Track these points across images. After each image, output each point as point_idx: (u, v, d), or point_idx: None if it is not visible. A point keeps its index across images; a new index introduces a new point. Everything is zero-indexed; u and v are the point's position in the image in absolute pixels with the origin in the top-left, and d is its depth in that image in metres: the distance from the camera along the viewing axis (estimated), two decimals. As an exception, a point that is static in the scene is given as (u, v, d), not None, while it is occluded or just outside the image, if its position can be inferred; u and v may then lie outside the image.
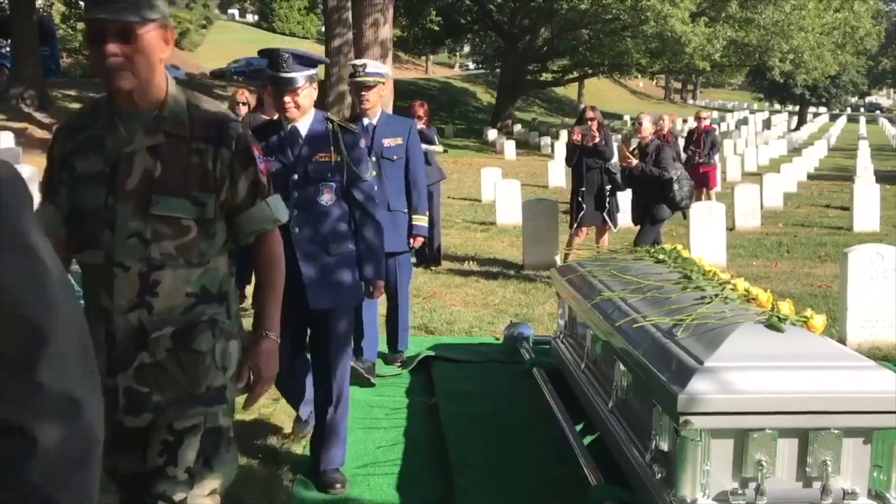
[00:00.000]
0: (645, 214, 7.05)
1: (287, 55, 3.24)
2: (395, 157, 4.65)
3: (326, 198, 3.32)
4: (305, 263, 3.29)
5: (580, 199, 7.75)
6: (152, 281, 1.95)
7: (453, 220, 12.71)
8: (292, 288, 2.95)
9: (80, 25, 38.70)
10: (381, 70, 4.54)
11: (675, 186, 6.78)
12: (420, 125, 7.93)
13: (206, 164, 2.00)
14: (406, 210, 4.74)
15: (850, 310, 5.56)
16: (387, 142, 4.62)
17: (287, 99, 3.30)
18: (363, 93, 4.53)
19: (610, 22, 30.12)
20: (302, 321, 3.40)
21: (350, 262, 3.40)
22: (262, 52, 3.41)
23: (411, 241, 4.80)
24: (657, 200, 6.92)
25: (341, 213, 3.38)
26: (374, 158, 4.33)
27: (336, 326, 3.42)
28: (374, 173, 4.20)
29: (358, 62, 4.57)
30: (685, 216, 8.40)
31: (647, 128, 7.07)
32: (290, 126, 3.37)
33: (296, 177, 3.31)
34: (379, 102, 4.62)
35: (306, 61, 3.31)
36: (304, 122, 3.35)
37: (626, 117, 39.18)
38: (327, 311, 3.35)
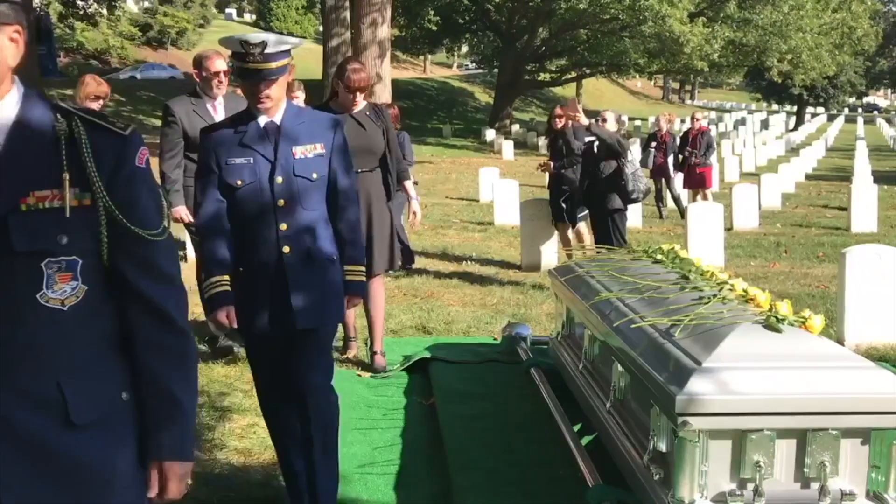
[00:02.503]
0: (594, 207, 7.03)
1: None
2: (314, 176, 2.92)
3: (59, 291, 1.45)
4: (11, 458, 1.42)
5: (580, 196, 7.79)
6: None
7: (451, 220, 12.72)
8: None
9: (79, 25, 38.77)
10: (285, 47, 2.85)
11: (630, 177, 6.72)
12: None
13: None
14: (337, 256, 3.04)
15: (848, 310, 5.56)
16: (300, 150, 2.92)
17: None
18: (261, 87, 2.82)
19: (608, 22, 30.15)
20: None
21: (123, 434, 1.54)
22: None
23: (346, 303, 3.14)
24: (609, 190, 6.87)
25: (101, 322, 1.52)
26: (279, 179, 2.87)
27: None
28: (283, 203, 2.88)
29: (252, 38, 2.78)
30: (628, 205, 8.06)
31: (611, 124, 7.06)
32: None
33: None
34: (283, 97, 2.95)
35: None
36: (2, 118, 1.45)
37: (625, 117, 39.25)
38: None
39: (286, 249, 2.88)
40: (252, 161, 2.88)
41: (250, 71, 2.81)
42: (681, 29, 26.98)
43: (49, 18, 32.86)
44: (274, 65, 2.80)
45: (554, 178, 8.05)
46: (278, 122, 2.92)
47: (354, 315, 5.10)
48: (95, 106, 6.03)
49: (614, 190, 6.80)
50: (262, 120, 2.90)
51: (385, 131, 4.72)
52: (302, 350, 2.98)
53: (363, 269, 3.16)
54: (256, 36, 2.81)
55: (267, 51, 2.77)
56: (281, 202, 2.88)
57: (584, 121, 6.74)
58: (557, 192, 7.96)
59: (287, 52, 2.85)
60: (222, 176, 2.88)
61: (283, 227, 2.89)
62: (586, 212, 7.66)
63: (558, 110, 8.11)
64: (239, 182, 2.86)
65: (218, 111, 4.86)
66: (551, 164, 7.98)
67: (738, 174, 20.47)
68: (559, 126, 7.95)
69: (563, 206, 7.88)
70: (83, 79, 6.21)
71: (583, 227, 7.93)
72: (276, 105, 2.90)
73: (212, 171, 2.91)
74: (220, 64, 4.87)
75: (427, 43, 40.91)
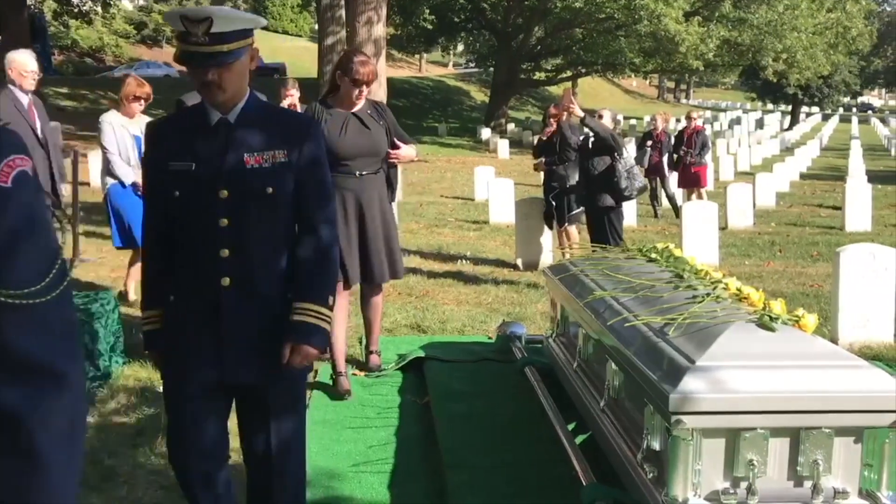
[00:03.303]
0: (588, 205, 7.07)
1: None
2: (269, 190, 2.33)
3: None
4: None
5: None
6: None
7: (446, 219, 12.72)
8: None
9: (74, 23, 38.64)
10: (240, 25, 2.26)
11: (624, 175, 6.73)
12: None
13: None
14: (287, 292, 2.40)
15: (842, 309, 5.57)
16: (253, 157, 2.33)
17: None
18: (209, 75, 2.25)
19: (604, 21, 30.18)
20: None
21: None
22: None
23: (287, 353, 2.34)
24: (602, 188, 6.86)
25: None
26: (224, 192, 2.30)
27: None
28: (227, 222, 2.31)
29: (193, 14, 2.21)
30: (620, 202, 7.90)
31: (607, 122, 7.08)
32: None
33: None
34: (242, 88, 2.35)
35: None
36: None
37: (620, 116, 39.33)
38: None
39: (225, 281, 2.31)
40: (193, 167, 2.32)
41: (194, 55, 2.24)
42: (676, 28, 27.01)
43: (43, 16, 32.75)
44: (225, 47, 2.22)
45: (546, 175, 8.07)
46: (232, 120, 2.34)
47: (345, 345, 4.68)
48: (136, 107, 5.96)
49: (607, 187, 6.81)
50: (214, 116, 2.34)
51: (388, 131, 4.47)
52: (250, 418, 2.45)
53: (327, 312, 2.38)
54: (200, 10, 2.22)
55: (214, 30, 2.20)
56: (224, 221, 2.30)
57: (580, 112, 6.73)
58: (548, 189, 7.98)
59: (244, 33, 2.27)
60: (163, 182, 2.36)
61: (225, 252, 2.31)
62: (578, 211, 7.69)
63: (553, 109, 8.13)
64: (177, 192, 2.32)
65: None
66: (543, 160, 8.01)
67: (732, 173, 20.52)
68: (550, 132, 7.96)
69: (553, 203, 7.90)
70: (126, 79, 6.13)
71: (572, 228, 7.95)
72: (232, 98, 2.32)
73: (154, 176, 2.41)
74: None
75: (422, 42, 40.93)
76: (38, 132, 5.80)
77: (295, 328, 2.34)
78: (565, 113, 7.31)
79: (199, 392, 2.36)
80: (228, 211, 2.31)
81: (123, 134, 5.84)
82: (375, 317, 4.79)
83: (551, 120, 7.99)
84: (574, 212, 7.74)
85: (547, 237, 8.52)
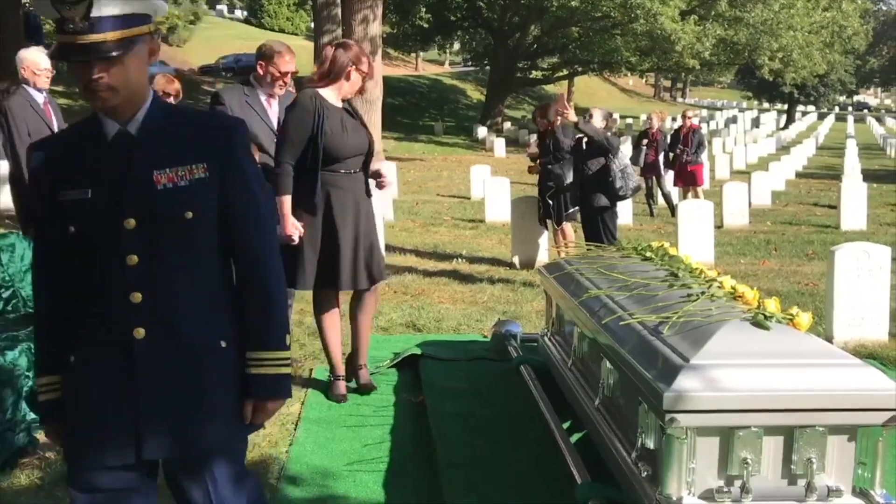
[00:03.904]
0: (583, 204, 7.09)
1: None
2: (188, 215, 1.88)
3: None
4: None
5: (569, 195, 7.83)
6: None
7: (442, 218, 12.72)
8: None
9: (68, 20, 38.60)
10: (132, 8, 1.80)
11: (619, 174, 6.75)
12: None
13: None
14: (230, 344, 1.95)
15: (837, 308, 5.58)
16: (164, 175, 1.87)
17: None
18: (93, 72, 1.77)
19: (600, 20, 30.24)
20: None
21: None
22: None
23: (249, 413, 1.98)
24: (597, 188, 6.88)
25: None
26: (130, 222, 1.85)
27: None
28: (136, 259, 1.86)
29: None
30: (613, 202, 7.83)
31: (597, 121, 7.09)
32: None
33: None
34: (141, 89, 1.88)
35: None
36: None
37: (616, 115, 39.36)
38: None
39: (139, 332, 1.87)
40: (90, 194, 1.86)
41: (73, 46, 1.75)
42: (672, 27, 27.08)
43: (38, 14, 32.71)
44: (110, 35, 1.75)
45: (542, 175, 8.07)
46: (134, 131, 1.88)
47: (340, 346, 4.45)
48: None
49: (602, 187, 6.83)
50: (111, 128, 1.87)
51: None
52: (185, 495, 1.97)
53: (285, 355, 1.99)
54: None
55: (95, 14, 1.73)
56: (133, 258, 1.86)
57: (574, 117, 6.75)
58: (544, 189, 7.98)
59: (138, 18, 1.80)
60: (54, 217, 1.90)
61: (137, 296, 1.86)
62: (573, 210, 7.70)
63: (539, 113, 8.16)
64: (72, 228, 1.87)
65: (273, 106, 4.49)
66: (538, 162, 8.02)
67: (728, 172, 20.56)
68: (547, 125, 7.97)
69: (550, 202, 7.91)
70: (154, 77, 6.10)
71: (567, 227, 7.96)
72: (128, 102, 1.85)
73: (42, 211, 1.93)
74: (292, 65, 4.44)
75: (418, 40, 40.93)
76: (56, 131, 5.78)
77: (255, 384, 1.96)
78: (559, 118, 7.33)
79: (113, 481, 1.90)
80: (138, 245, 1.86)
81: None
82: (366, 322, 4.48)
83: (542, 121, 7.98)
84: (570, 210, 7.76)
85: (543, 236, 8.53)
